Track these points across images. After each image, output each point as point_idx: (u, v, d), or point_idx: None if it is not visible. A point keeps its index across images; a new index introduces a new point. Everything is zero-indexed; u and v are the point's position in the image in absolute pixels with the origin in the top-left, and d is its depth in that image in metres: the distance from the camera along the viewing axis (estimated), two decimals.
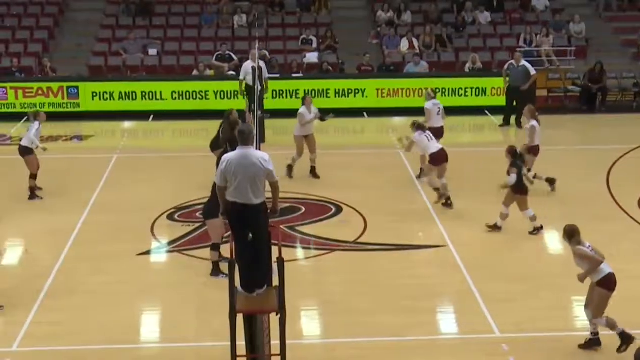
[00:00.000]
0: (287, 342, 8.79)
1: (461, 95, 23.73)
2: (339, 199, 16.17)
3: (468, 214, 15.29)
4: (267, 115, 20.45)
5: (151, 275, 13.09)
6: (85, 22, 28.45)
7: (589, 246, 10.24)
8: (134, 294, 12.20)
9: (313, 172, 17.55)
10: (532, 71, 22.21)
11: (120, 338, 10.85)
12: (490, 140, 21.72)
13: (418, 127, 15.89)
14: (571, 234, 10.20)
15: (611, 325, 10.17)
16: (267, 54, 25.17)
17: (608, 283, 10.09)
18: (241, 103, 21.24)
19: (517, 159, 14.17)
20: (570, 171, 17.11)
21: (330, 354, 10.57)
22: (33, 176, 16.25)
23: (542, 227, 14.32)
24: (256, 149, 9.23)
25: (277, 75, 23.89)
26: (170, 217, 15.37)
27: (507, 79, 22.32)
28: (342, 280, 12.67)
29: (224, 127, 15.17)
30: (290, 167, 17.37)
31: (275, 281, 8.87)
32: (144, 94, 23.65)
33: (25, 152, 16.15)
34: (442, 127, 17.60)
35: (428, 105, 17.67)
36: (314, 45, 26.52)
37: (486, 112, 23.57)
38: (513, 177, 14.00)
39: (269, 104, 22.17)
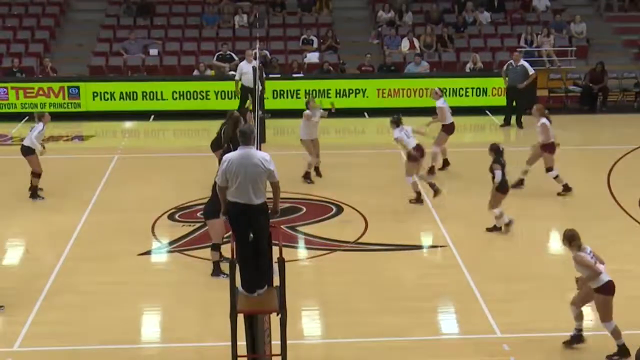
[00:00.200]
0: (288, 342, 8.79)
1: (462, 95, 23.73)
2: (340, 199, 16.17)
3: (469, 214, 15.28)
4: (267, 115, 20.45)
5: (152, 275, 13.07)
6: (86, 22, 28.47)
7: (590, 251, 10.11)
8: (134, 294, 12.20)
9: (317, 171, 17.52)
10: (531, 71, 22.19)
11: (120, 338, 10.84)
12: (490, 140, 21.20)
13: (397, 123, 15.65)
14: (571, 239, 10.09)
15: (617, 334, 10.08)
16: (268, 54, 25.20)
17: (607, 290, 9.99)
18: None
19: (500, 156, 14.16)
20: (570, 171, 17.08)
21: (331, 354, 10.57)
22: (37, 175, 16.22)
23: (500, 228, 14.33)
24: (256, 149, 9.22)
25: (278, 76, 23.90)
26: (171, 217, 15.37)
27: (507, 78, 22.33)
28: (342, 280, 12.66)
29: (226, 127, 15.15)
30: (307, 174, 17.20)
31: (276, 281, 8.87)
32: (144, 94, 23.65)
33: (27, 152, 16.14)
34: (453, 123, 17.68)
35: (440, 103, 17.63)
36: (315, 45, 26.52)
37: (487, 112, 23.59)
38: (498, 175, 13.97)
39: (270, 103, 22.18)
